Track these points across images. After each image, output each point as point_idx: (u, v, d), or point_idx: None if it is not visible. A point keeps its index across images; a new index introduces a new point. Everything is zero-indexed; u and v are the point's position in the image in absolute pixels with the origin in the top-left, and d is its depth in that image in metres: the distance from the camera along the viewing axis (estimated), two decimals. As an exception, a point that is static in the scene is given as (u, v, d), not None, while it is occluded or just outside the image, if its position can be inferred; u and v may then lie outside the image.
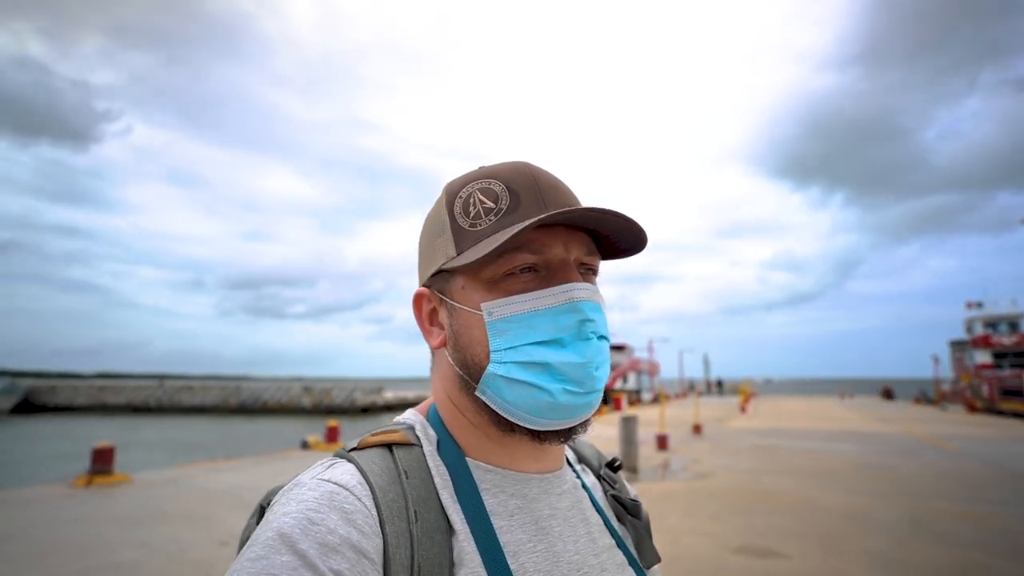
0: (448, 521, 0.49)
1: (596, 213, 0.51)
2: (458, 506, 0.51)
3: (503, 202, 0.53)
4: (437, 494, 0.51)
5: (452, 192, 0.57)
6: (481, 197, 0.54)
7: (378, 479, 0.48)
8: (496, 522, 0.51)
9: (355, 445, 0.53)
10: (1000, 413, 26.30)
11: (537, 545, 0.52)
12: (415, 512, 0.47)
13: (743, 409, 27.80)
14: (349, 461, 0.50)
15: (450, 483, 0.52)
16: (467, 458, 0.55)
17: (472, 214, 0.54)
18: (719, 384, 61.69)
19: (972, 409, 29.14)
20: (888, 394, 48.05)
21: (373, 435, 0.55)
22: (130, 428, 29.14)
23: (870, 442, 14.69)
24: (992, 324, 37.96)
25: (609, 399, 25.68)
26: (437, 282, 0.57)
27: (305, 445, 12.79)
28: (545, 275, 0.53)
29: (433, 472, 0.53)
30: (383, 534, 0.44)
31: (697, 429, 16.50)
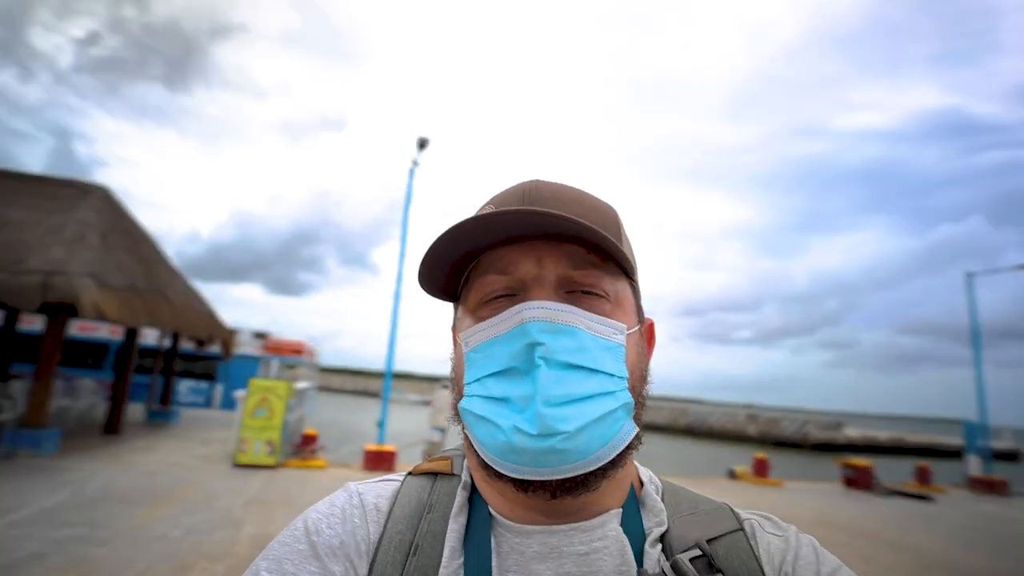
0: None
1: (513, 215, 0.44)
2: (463, 548, 0.49)
3: None
4: (451, 533, 0.50)
5: None
6: None
7: (402, 509, 0.52)
8: (500, 571, 0.48)
9: (418, 467, 0.57)
10: None
11: None
12: (417, 546, 0.49)
13: None
14: (402, 483, 0.55)
15: (465, 523, 0.51)
16: (488, 501, 0.52)
17: None
18: None
19: None
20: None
21: (430, 460, 0.57)
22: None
23: None
24: None
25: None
26: (454, 316, 0.57)
27: (732, 474, 12.65)
28: (519, 298, 0.48)
29: (456, 510, 0.52)
30: (373, 558, 0.48)
31: None
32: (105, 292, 8.12)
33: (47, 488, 5.96)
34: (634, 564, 0.47)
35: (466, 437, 0.51)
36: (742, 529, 0.51)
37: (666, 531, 0.50)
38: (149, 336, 16.66)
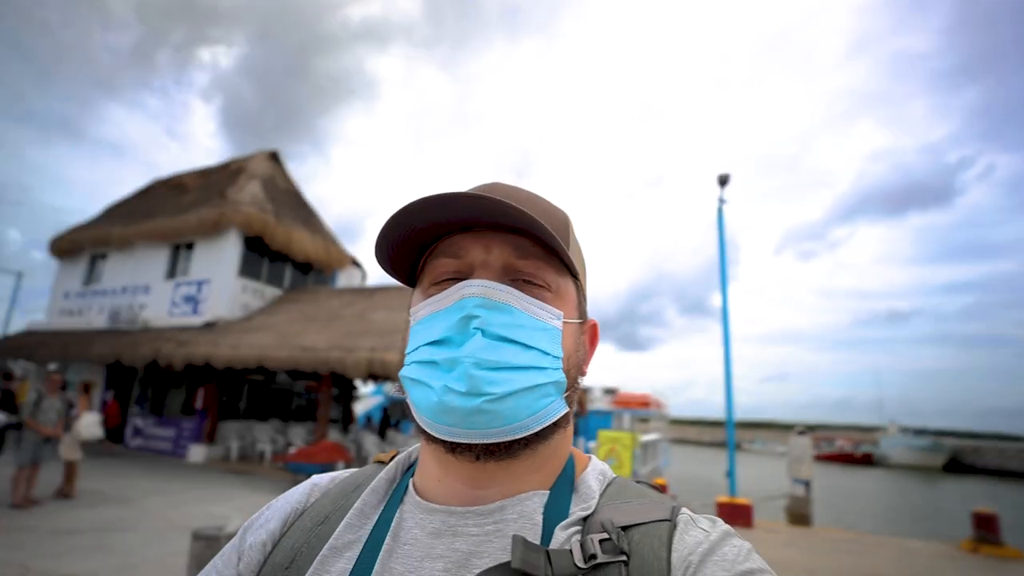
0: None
1: (447, 198, 0.48)
2: (371, 522, 0.54)
3: None
4: (355, 508, 0.55)
5: None
6: None
7: (337, 487, 0.60)
8: (392, 545, 0.51)
9: (379, 456, 0.64)
10: None
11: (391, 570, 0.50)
12: (327, 517, 0.56)
13: None
14: (350, 470, 0.64)
15: (384, 501, 0.56)
16: (413, 481, 0.57)
17: None
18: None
19: None
20: None
21: (387, 453, 0.64)
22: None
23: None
24: None
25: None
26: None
27: None
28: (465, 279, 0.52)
29: (371, 489, 0.57)
30: (284, 526, 0.57)
31: None
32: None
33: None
34: (538, 544, 0.48)
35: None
36: (670, 520, 0.50)
37: (590, 516, 0.50)
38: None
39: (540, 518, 0.50)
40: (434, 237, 0.54)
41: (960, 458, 42.90)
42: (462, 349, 0.48)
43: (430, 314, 0.52)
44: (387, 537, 0.52)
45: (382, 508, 0.56)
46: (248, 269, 15.07)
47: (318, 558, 0.51)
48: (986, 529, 8.08)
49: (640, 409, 23.69)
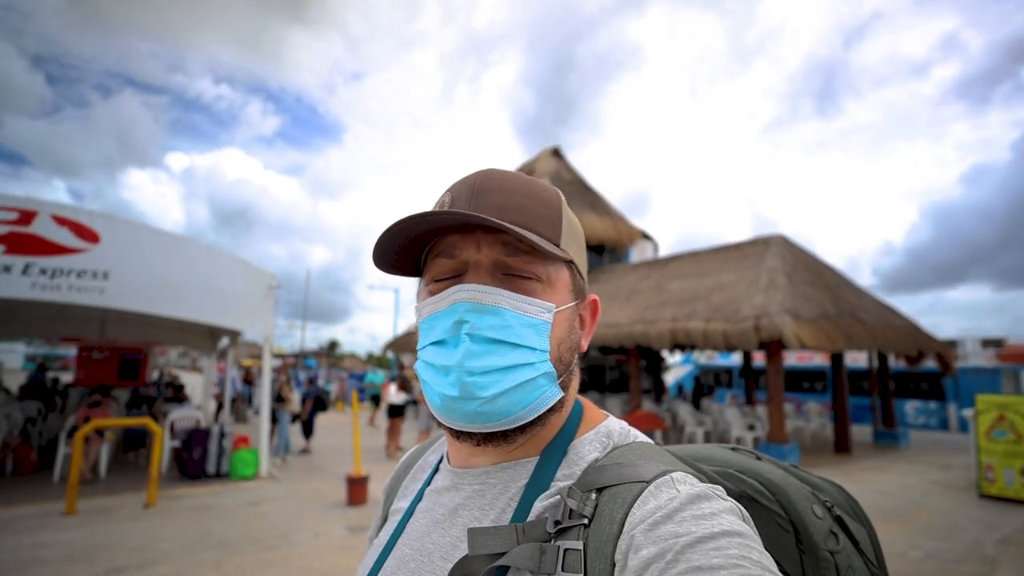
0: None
1: (423, 217, 0.51)
2: (413, 486, 0.68)
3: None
4: (401, 478, 0.73)
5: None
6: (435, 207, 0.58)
7: (408, 463, 0.74)
8: (422, 505, 0.62)
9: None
10: None
11: (410, 534, 0.61)
12: (392, 487, 0.73)
13: None
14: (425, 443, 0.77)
15: (429, 470, 0.68)
16: (446, 451, 0.66)
17: None
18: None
19: None
20: None
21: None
22: None
23: None
24: None
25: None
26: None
27: None
28: (460, 279, 0.55)
29: (418, 465, 0.71)
30: (386, 492, 0.74)
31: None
32: (801, 324, 9.22)
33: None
34: (507, 510, 0.53)
35: None
36: (646, 482, 0.48)
37: (576, 482, 0.52)
38: (860, 359, 17.03)
39: (519, 487, 0.54)
40: (433, 236, 0.57)
41: None
42: (454, 355, 0.51)
43: (430, 315, 0.55)
44: (419, 501, 0.63)
45: (425, 478, 0.67)
46: (551, 258, 16.75)
47: (387, 521, 0.67)
48: None
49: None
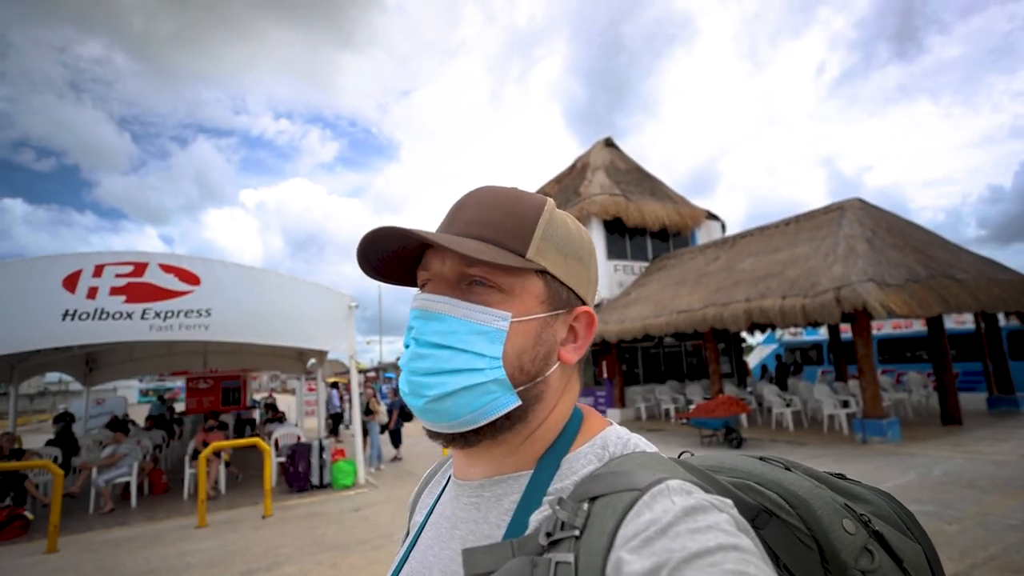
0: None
1: (377, 233, 0.55)
2: (427, 500, 0.69)
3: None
4: (422, 490, 0.74)
5: None
6: None
7: (428, 474, 0.76)
8: (431, 519, 0.63)
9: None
10: None
11: (419, 547, 0.62)
12: (416, 498, 0.74)
13: None
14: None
15: (441, 483, 0.69)
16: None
17: None
18: None
19: None
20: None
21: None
22: None
23: None
24: None
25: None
26: None
27: None
28: (424, 288, 0.59)
29: (440, 475, 0.72)
30: (411, 501, 0.75)
31: None
32: (887, 291, 8.69)
33: (897, 469, 6.75)
34: (501, 525, 0.53)
35: None
36: (640, 491, 0.46)
37: (572, 491, 0.51)
38: (967, 321, 15.67)
39: (512, 501, 0.54)
40: (420, 250, 0.60)
41: None
42: (405, 356, 0.57)
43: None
44: (431, 514, 0.64)
45: (438, 492, 0.68)
46: (613, 251, 16.65)
47: (408, 535, 0.69)
48: None
49: None
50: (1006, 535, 4.28)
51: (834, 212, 11.57)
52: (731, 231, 19.54)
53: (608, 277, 16.26)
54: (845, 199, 11.70)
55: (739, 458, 0.66)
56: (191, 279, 7.63)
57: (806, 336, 21.85)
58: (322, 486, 8.47)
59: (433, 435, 0.57)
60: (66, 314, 6.87)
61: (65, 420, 12.27)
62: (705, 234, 18.66)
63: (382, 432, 10.71)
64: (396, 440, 11.13)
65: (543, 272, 0.57)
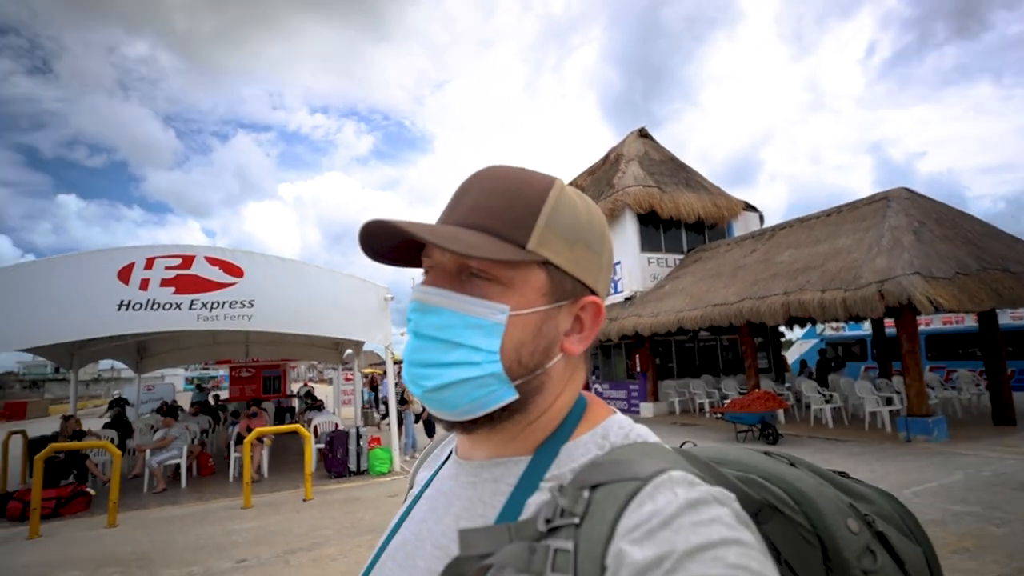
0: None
1: (371, 226, 0.54)
2: (425, 474, 0.70)
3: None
4: (421, 463, 0.75)
5: None
6: None
7: (428, 448, 0.76)
8: (428, 492, 0.64)
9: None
10: None
11: (412, 518, 0.62)
12: (416, 470, 0.75)
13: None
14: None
15: (440, 458, 0.70)
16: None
17: None
18: None
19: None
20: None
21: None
22: None
23: None
24: None
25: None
26: None
27: None
28: (424, 279, 0.59)
29: (439, 451, 0.73)
30: (412, 474, 0.75)
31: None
32: (934, 284, 8.35)
33: (943, 469, 6.52)
34: (495, 506, 0.53)
35: None
36: (642, 480, 0.45)
37: (573, 478, 0.51)
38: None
39: (508, 484, 0.54)
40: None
41: None
42: (407, 347, 0.56)
43: None
44: (427, 488, 0.65)
45: (436, 466, 0.68)
46: (648, 243, 16.45)
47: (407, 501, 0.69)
48: None
49: None
50: (1059, 539, 4.11)
51: (879, 202, 11.14)
52: (773, 222, 19.05)
53: (642, 269, 16.08)
54: (891, 188, 11.26)
55: (743, 451, 0.65)
56: (235, 271, 7.93)
57: (848, 331, 21.17)
58: (359, 472, 8.73)
59: (435, 418, 0.58)
60: (121, 304, 7.26)
61: (120, 405, 12.97)
62: (742, 226, 18.23)
63: (416, 421, 10.94)
64: (429, 429, 11.35)
65: (546, 263, 0.55)
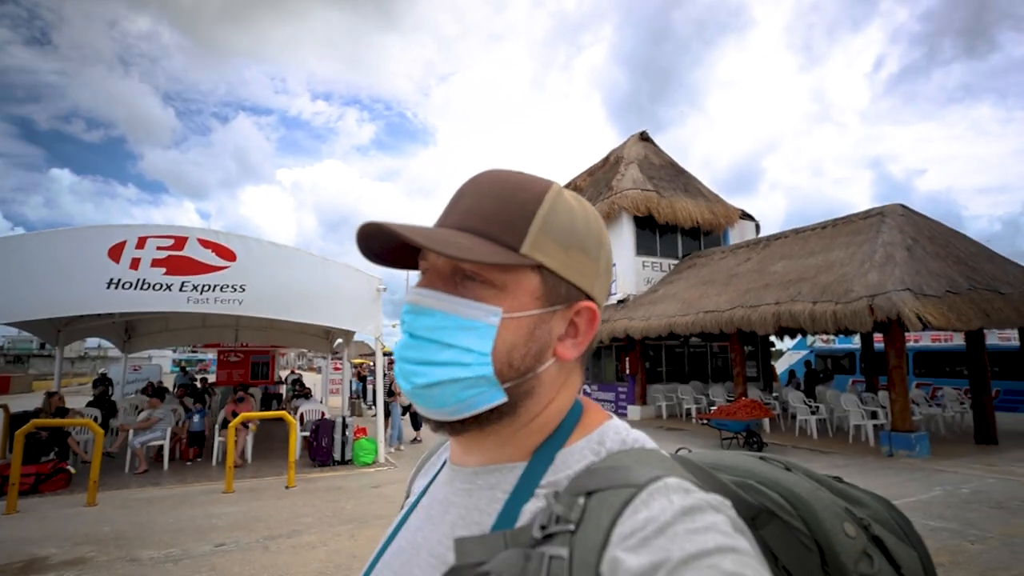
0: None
1: (369, 228, 0.53)
2: (422, 482, 0.68)
3: None
4: (418, 471, 0.73)
5: None
6: None
7: (425, 455, 0.75)
8: (423, 500, 0.63)
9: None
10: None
11: (408, 526, 0.61)
12: (413, 478, 0.74)
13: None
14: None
15: (436, 466, 0.68)
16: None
17: None
18: None
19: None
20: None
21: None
22: None
23: None
24: None
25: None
26: None
27: None
28: (419, 281, 0.59)
29: (435, 458, 0.71)
30: (409, 480, 0.74)
31: None
32: (924, 301, 8.42)
33: (922, 485, 6.59)
34: (491, 514, 0.52)
35: None
36: (637, 487, 0.45)
37: (568, 484, 0.51)
38: (1013, 338, 15.04)
39: (504, 491, 0.54)
40: None
41: None
42: (400, 345, 0.56)
43: None
44: (423, 496, 0.64)
45: (433, 473, 0.67)
46: (643, 247, 16.49)
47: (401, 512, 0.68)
48: None
49: None
50: (1032, 558, 4.16)
51: (874, 217, 11.21)
52: (769, 232, 19.13)
53: (636, 273, 16.13)
54: (886, 204, 11.33)
55: (740, 456, 0.65)
56: (228, 255, 7.88)
57: (839, 344, 21.31)
58: (343, 462, 8.71)
59: (423, 417, 0.58)
60: (110, 282, 7.20)
61: (104, 384, 12.84)
62: (738, 234, 18.31)
63: (403, 413, 10.92)
64: (416, 422, 11.34)
65: (540, 267, 0.55)
